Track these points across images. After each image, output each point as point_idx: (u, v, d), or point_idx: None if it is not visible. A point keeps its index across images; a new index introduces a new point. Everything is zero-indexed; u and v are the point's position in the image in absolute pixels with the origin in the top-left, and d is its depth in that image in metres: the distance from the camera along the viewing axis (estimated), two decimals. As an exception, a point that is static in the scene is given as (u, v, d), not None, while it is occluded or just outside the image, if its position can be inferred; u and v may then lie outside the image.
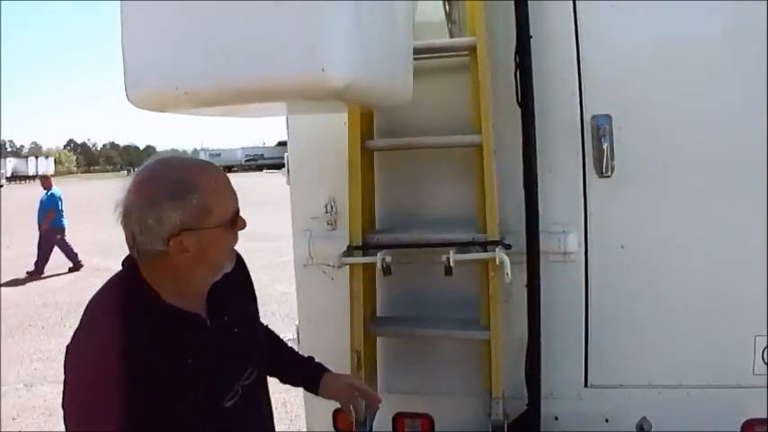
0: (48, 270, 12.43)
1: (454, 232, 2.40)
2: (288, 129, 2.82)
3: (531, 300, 2.40)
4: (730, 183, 2.40)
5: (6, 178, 66.64)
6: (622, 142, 2.44)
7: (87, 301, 1.54)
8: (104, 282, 1.57)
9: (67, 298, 10.05)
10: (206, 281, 1.55)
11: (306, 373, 1.91)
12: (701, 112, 2.40)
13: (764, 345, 2.41)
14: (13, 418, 5.47)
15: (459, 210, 2.49)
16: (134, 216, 1.41)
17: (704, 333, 2.45)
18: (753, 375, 2.42)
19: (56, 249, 12.64)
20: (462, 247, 2.35)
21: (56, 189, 13.07)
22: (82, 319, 1.48)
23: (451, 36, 2.56)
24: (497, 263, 2.26)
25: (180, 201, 1.40)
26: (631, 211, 2.47)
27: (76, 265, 12.71)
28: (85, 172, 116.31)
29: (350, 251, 2.45)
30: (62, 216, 12.72)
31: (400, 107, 2.26)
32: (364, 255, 2.40)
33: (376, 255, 2.38)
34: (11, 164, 76.29)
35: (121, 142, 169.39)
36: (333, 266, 2.55)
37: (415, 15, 2.33)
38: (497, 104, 2.46)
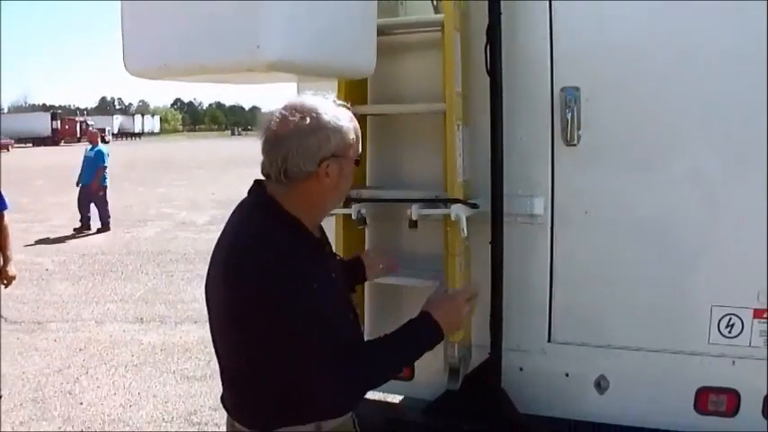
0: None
1: (423, 191, 2.61)
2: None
3: (494, 256, 2.59)
4: (691, 156, 2.49)
5: (113, 134, 70.30)
6: (589, 114, 2.56)
7: (235, 240, 1.71)
8: (237, 217, 1.75)
9: (150, 248, 10.82)
10: (329, 211, 1.85)
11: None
12: (666, 86, 2.49)
13: (720, 315, 2.50)
14: (80, 349, 6.15)
15: (431, 172, 2.68)
16: (294, 138, 1.62)
17: (663, 300, 2.57)
18: (708, 344, 2.52)
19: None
20: (427, 203, 2.55)
21: (102, 146, 12.95)
22: (261, 257, 1.62)
23: (436, 12, 2.73)
24: (453, 218, 2.46)
25: (338, 131, 1.66)
26: (595, 179, 2.60)
27: (106, 226, 12.59)
28: (191, 131, 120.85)
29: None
30: (106, 174, 12.54)
31: (385, 78, 2.60)
32: (344, 207, 2.65)
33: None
34: (117, 121, 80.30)
35: (227, 102, 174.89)
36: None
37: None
38: (474, 77, 2.64)
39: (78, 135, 64.52)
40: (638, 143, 2.54)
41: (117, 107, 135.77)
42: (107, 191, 12.55)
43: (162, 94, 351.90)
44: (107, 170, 12.49)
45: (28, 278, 8.56)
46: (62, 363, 5.76)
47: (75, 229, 12.40)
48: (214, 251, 1.75)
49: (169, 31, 2.03)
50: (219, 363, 1.81)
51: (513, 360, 2.70)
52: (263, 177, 1.75)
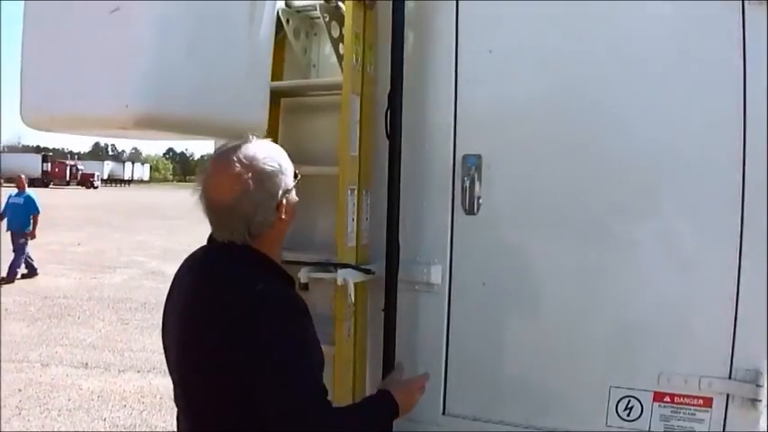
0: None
1: (316, 253, 2.58)
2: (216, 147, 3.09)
3: (387, 322, 2.54)
4: (590, 228, 2.46)
5: (102, 180, 70.46)
6: (491, 181, 2.55)
7: (235, 291, 1.68)
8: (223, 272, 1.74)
9: (113, 294, 10.70)
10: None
11: None
12: (565, 156, 2.48)
13: (619, 396, 2.42)
14: (19, 390, 6.14)
15: (326, 234, 2.65)
16: (245, 201, 1.63)
17: (558, 377, 2.49)
18: (605, 426, 2.42)
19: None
20: (318, 266, 2.51)
21: (30, 191, 12.26)
22: (258, 305, 1.64)
23: (343, 73, 2.74)
24: (339, 283, 2.41)
25: (278, 171, 1.69)
26: (494, 249, 2.57)
27: (11, 278, 11.60)
28: (180, 180, 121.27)
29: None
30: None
31: (293, 138, 2.68)
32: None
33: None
34: (108, 167, 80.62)
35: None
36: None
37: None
38: (377, 141, 2.63)
39: (68, 178, 64.58)
40: (536, 213, 2.51)
41: (110, 153, 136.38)
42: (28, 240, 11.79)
43: (155, 143, 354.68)
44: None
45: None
46: (-2, 402, 5.73)
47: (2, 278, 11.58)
48: (185, 306, 1.73)
49: (55, 84, 2.04)
50: (185, 412, 1.78)
51: (405, 430, 2.61)
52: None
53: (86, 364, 6.99)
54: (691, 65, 2.29)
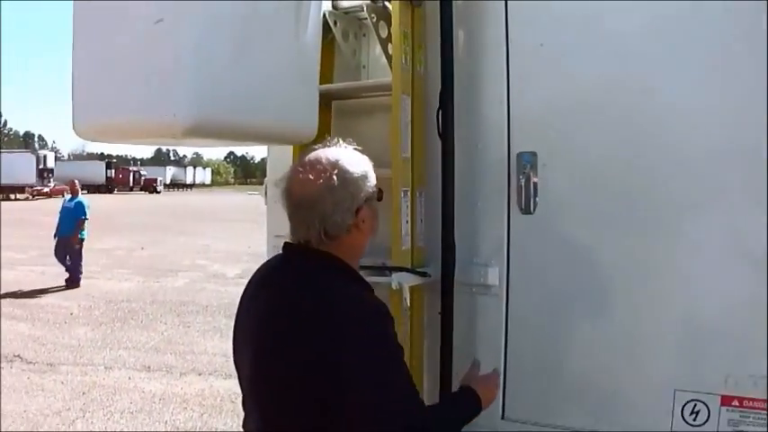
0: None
1: (372, 257, 2.54)
2: (268, 151, 3.11)
3: (444, 326, 2.49)
4: (654, 226, 2.36)
5: (165, 185, 72.31)
6: (547, 180, 2.48)
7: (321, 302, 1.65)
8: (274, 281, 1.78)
9: (175, 298, 10.93)
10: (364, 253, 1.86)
11: None
12: (625, 151, 2.38)
13: (685, 400, 2.31)
14: (83, 393, 6.32)
15: (382, 238, 2.61)
16: (327, 197, 1.64)
17: (621, 380, 2.39)
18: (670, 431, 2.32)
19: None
20: (375, 270, 2.47)
21: (83, 197, 12.33)
22: (352, 317, 1.63)
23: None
24: (393, 287, 2.38)
25: (364, 177, 1.72)
26: (552, 249, 2.49)
27: (75, 282, 11.89)
28: (242, 183, 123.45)
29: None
30: (84, 227, 12.00)
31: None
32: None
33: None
34: (170, 172, 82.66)
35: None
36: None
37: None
38: (430, 140, 2.59)
39: (131, 184, 66.48)
40: (597, 209, 2.42)
41: (172, 158, 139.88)
42: (83, 244, 11.99)
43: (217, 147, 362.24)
44: (87, 222, 11.96)
45: (52, 321, 8.84)
46: (63, 405, 5.98)
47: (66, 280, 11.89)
48: (263, 317, 1.72)
49: (104, 95, 2.07)
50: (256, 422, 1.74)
51: (465, 436, 2.57)
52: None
53: (149, 367, 7.15)
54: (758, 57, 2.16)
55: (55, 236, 11.93)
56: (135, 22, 1.95)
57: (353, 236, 1.71)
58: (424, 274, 2.48)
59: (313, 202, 1.64)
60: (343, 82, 2.82)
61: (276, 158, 3.04)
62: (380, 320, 1.66)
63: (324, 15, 2.63)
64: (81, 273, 12.00)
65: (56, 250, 12.00)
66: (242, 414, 1.80)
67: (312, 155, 1.72)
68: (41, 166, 49.29)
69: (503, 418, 2.57)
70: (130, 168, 73.69)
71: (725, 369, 2.23)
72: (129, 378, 6.76)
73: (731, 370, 2.23)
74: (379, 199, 1.80)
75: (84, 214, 11.74)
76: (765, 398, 2.17)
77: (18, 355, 7.33)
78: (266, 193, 3.12)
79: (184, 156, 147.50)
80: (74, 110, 2.17)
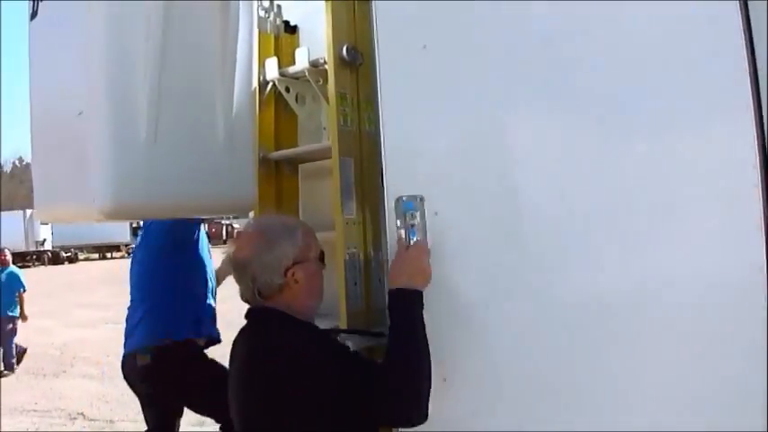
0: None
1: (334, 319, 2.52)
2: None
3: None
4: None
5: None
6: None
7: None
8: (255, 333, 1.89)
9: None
10: (314, 313, 1.96)
11: None
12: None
13: None
14: None
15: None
16: (254, 259, 1.82)
17: None
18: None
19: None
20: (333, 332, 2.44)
21: (13, 267, 9.67)
22: (297, 359, 1.74)
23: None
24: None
25: (290, 238, 1.85)
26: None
27: (10, 366, 9.18)
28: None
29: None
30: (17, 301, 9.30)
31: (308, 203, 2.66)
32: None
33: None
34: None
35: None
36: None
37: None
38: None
39: (224, 237, 68.47)
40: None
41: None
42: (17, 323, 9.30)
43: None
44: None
45: (119, 376, 8.79)
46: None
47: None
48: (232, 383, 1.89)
49: (49, 181, 2.29)
50: None
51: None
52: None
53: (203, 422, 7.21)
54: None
55: None
56: (65, 114, 2.09)
57: (289, 294, 1.84)
58: (378, 335, 2.44)
59: (244, 265, 1.83)
60: (306, 145, 2.85)
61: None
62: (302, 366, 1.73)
63: (274, 84, 2.70)
64: (14, 357, 9.33)
65: None
66: None
67: (249, 224, 1.97)
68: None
69: None
70: (222, 222, 74.93)
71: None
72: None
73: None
74: (321, 260, 1.93)
75: (22, 285, 9.42)
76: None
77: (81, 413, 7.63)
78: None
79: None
80: (34, 196, 2.35)
